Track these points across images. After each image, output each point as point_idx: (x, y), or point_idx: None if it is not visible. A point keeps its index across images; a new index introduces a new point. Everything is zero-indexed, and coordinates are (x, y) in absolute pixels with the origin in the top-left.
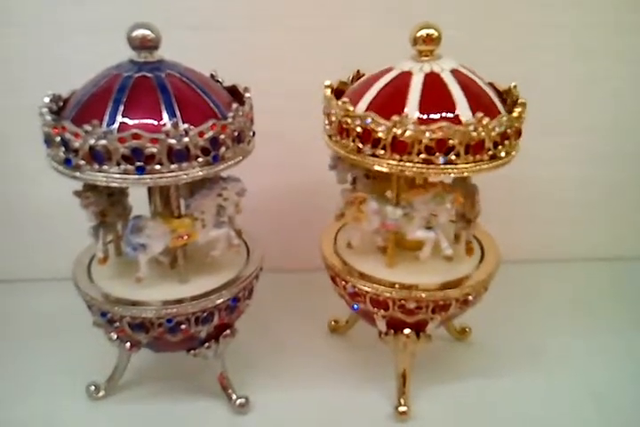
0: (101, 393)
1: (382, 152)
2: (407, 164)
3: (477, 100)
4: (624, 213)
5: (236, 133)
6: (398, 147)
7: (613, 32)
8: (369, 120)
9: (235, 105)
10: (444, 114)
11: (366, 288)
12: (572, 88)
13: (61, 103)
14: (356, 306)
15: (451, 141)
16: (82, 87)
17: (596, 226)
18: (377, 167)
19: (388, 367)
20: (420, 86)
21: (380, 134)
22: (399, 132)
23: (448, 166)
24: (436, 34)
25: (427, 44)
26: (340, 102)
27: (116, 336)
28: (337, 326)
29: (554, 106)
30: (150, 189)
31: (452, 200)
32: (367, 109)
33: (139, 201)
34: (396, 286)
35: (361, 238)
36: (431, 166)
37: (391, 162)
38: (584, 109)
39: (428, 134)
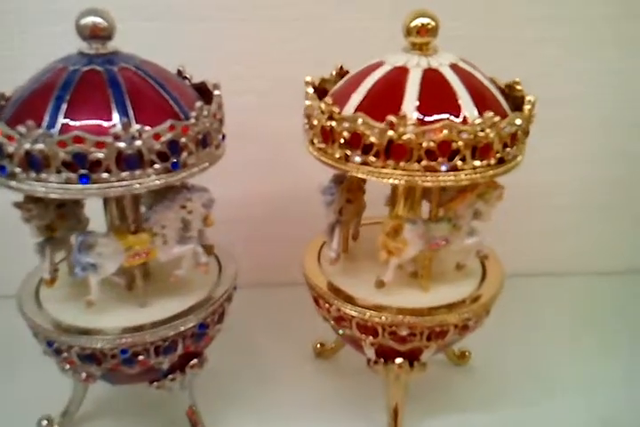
0: None
1: (460, 163)
2: (486, 169)
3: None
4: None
5: (200, 136)
6: (481, 152)
7: (619, 26)
8: (446, 131)
9: (199, 103)
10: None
11: (352, 312)
12: (576, 84)
13: (4, 102)
14: (341, 331)
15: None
16: (24, 83)
17: (603, 238)
18: (450, 184)
19: (380, 396)
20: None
21: (460, 143)
22: (481, 134)
23: (510, 165)
24: (432, 24)
25: (422, 36)
26: (399, 121)
27: (68, 366)
28: (323, 349)
29: (554, 104)
30: (106, 200)
31: (497, 195)
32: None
33: (98, 212)
34: (386, 309)
35: (395, 271)
36: (502, 165)
37: (469, 171)
38: (588, 107)
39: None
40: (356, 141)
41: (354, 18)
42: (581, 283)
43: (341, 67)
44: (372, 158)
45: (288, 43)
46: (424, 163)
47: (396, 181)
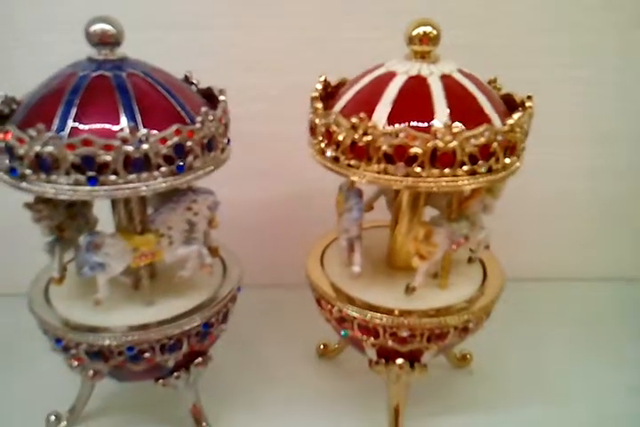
0: (63, 424)
1: (494, 163)
2: (512, 164)
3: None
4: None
5: (205, 140)
6: (511, 151)
7: (622, 36)
8: (487, 135)
9: (204, 109)
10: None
11: (354, 313)
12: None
13: (15, 106)
14: (343, 332)
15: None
16: (35, 88)
17: (608, 243)
18: (489, 184)
19: (382, 396)
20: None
21: (495, 145)
22: (511, 134)
23: (522, 158)
24: (434, 32)
25: (424, 44)
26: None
27: (76, 363)
28: (326, 350)
29: (556, 113)
30: (114, 201)
31: (501, 188)
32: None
33: (107, 212)
34: (387, 311)
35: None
36: (519, 160)
37: (501, 169)
38: (591, 117)
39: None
40: (399, 154)
41: (359, 27)
42: (584, 289)
43: (325, 79)
44: (417, 169)
45: (294, 51)
46: (466, 167)
47: (442, 189)
